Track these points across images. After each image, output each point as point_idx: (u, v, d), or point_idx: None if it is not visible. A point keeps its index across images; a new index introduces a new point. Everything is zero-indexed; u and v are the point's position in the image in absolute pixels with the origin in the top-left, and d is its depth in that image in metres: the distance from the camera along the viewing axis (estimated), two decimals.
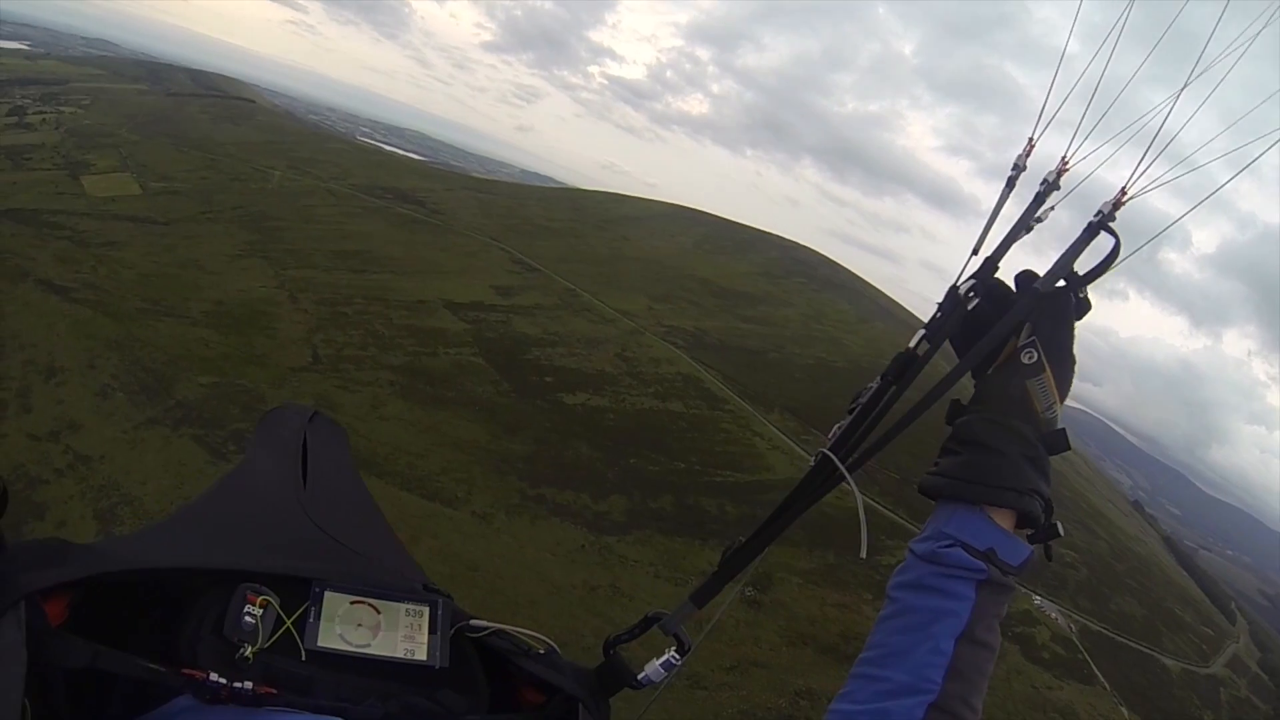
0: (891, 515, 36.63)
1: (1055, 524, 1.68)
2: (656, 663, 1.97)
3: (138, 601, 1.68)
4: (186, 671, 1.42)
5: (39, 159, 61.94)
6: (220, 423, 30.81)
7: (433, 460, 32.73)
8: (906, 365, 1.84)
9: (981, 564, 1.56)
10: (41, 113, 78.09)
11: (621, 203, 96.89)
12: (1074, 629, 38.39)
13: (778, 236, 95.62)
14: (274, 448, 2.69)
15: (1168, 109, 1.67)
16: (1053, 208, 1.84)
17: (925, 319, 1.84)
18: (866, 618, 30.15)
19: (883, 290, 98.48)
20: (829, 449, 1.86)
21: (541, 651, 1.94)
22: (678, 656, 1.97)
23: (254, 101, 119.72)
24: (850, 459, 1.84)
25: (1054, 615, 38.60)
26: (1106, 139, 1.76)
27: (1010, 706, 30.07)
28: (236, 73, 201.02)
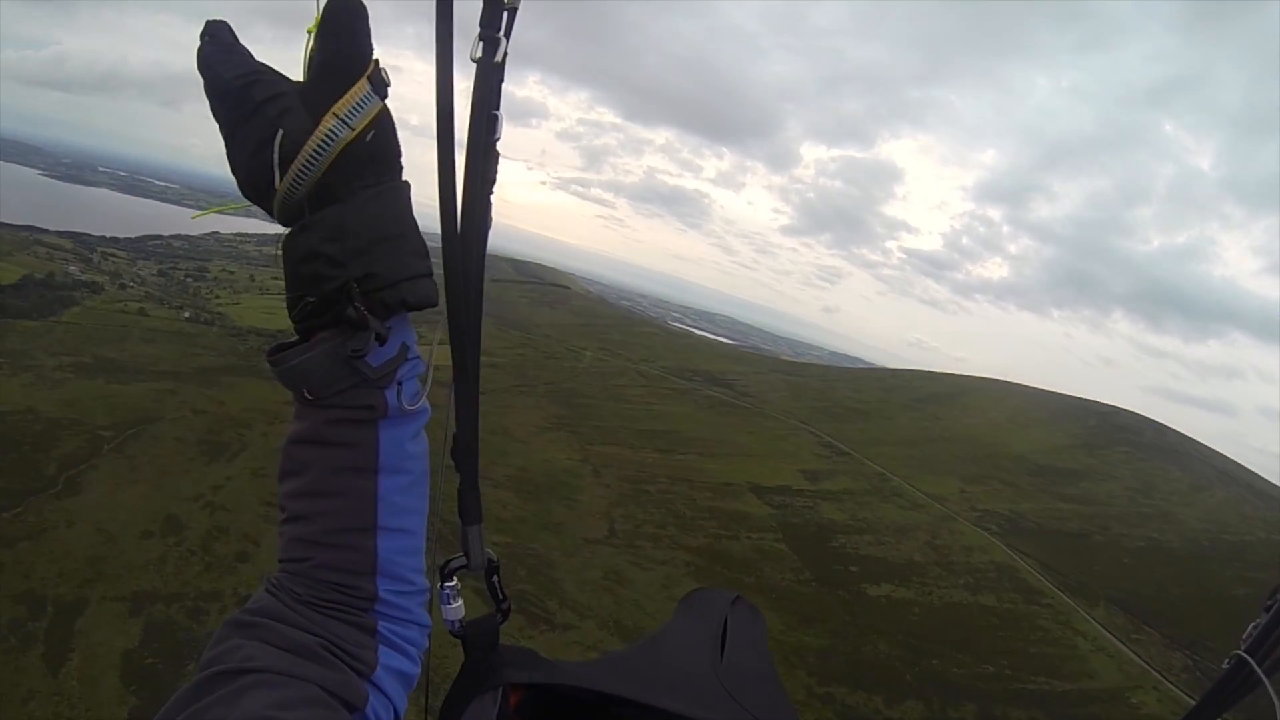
0: None
1: None
2: None
3: (568, 714, 2.00)
4: None
5: None
6: (504, 582, 32.08)
7: None
8: None
9: None
10: None
11: (930, 380, 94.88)
12: None
13: (1095, 402, 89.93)
14: (696, 621, 2.85)
15: None
16: None
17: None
18: None
19: (1218, 450, 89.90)
20: (1244, 650, 1.78)
21: None
22: None
23: (569, 288, 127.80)
24: (1269, 662, 1.76)
25: None
26: None
27: None
28: (554, 262, 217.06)
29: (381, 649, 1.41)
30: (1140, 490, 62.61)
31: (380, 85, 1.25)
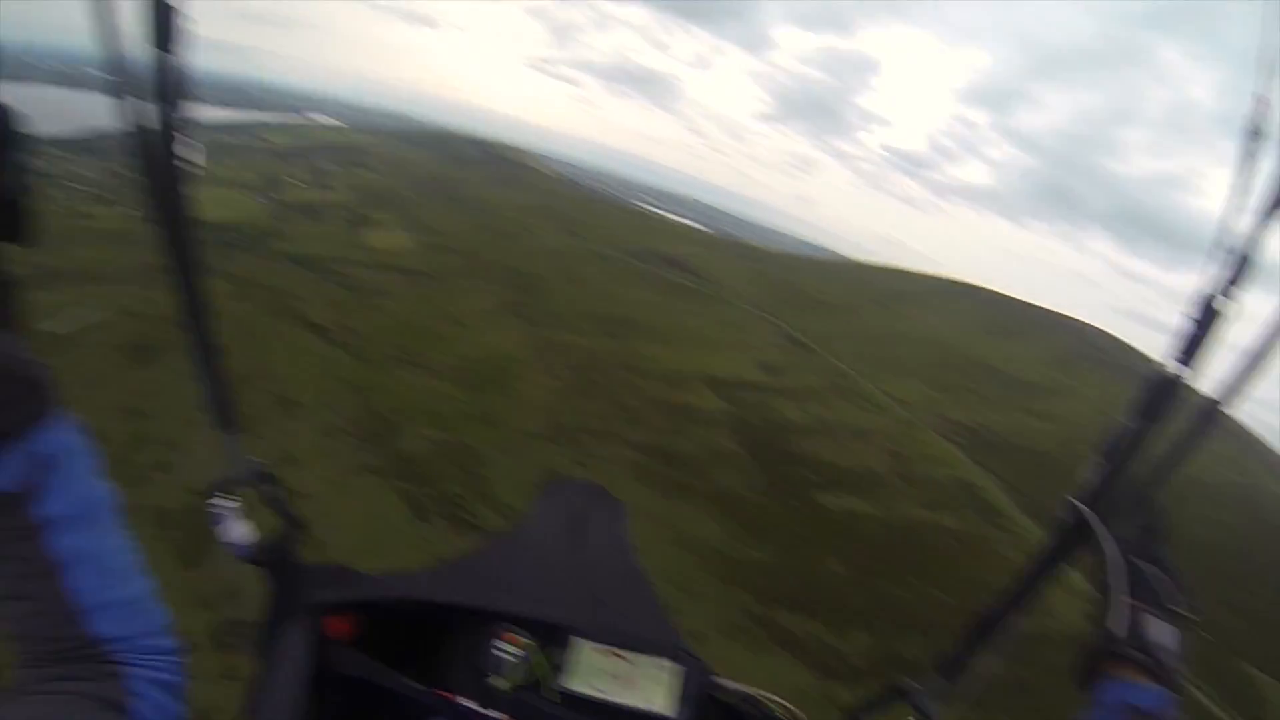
0: None
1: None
2: None
3: (419, 630, 1.91)
4: (441, 693, 1.66)
5: (330, 215, 65.74)
6: (432, 481, 30.06)
7: (654, 558, 28.73)
8: (1162, 394, 1.55)
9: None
10: (340, 175, 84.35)
11: (901, 278, 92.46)
12: None
13: (1068, 317, 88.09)
14: (553, 513, 2.85)
15: None
16: None
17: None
18: None
19: None
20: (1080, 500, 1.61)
21: None
22: None
23: (532, 167, 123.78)
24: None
25: None
26: None
27: None
28: (520, 143, 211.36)
29: (127, 679, 1.29)
30: (1110, 412, 60.95)
31: None
